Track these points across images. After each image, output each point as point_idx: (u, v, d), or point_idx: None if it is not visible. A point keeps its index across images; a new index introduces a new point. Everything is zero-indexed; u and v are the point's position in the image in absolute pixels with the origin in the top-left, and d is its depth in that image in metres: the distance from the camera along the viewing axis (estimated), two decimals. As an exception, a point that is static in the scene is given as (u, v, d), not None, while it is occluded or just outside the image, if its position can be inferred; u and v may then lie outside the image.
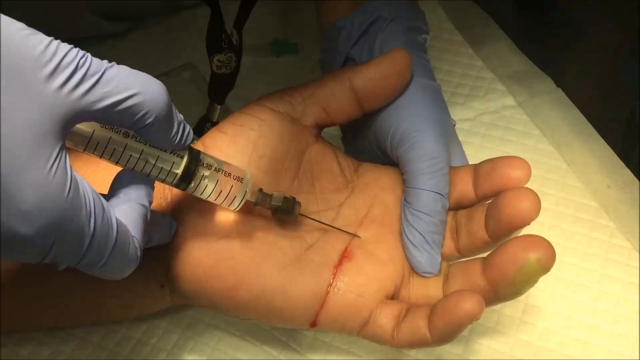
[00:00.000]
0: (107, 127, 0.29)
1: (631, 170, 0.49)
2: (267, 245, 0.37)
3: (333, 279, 0.37)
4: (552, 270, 0.44)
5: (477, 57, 0.59)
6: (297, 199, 0.37)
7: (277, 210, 0.37)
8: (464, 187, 0.40)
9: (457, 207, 0.40)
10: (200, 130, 0.49)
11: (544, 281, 0.43)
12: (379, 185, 0.41)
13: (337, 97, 0.39)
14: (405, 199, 0.39)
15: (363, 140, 0.43)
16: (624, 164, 0.50)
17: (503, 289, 0.35)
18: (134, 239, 0.30)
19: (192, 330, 0.43)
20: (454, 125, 0.44)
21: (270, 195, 0.36)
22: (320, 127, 0.41)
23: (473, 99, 0.56)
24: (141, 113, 0.27)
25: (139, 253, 0.30)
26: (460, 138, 0.46)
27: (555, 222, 0.47)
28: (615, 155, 0.50)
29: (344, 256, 0.38)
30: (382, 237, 0.39)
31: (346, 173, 0.41)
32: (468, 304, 0.33)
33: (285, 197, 0.37)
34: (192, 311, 0.44)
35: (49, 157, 0.24)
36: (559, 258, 0.44)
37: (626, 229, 0.46)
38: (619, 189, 0.49)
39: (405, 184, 0.39)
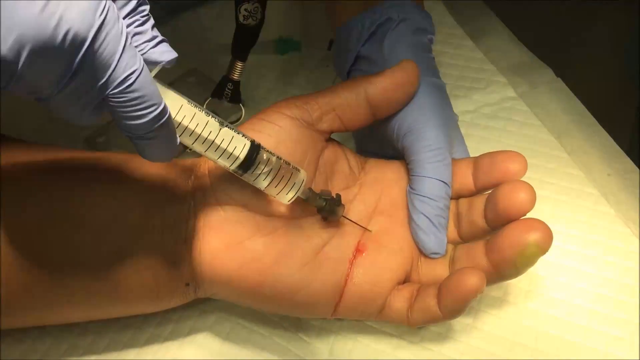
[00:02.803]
0: (192, 104, 0.33)
1: (631, 159, 0.50)
2: (288, 245, 0.39)
3: (349, 272, 0.39)
4: (553, 257, 0.45)
5: (477, 49, 0.60)
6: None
7: (322, 209, 0.39)
8: (464, 178, 0.42)
9: (457, 197, 0.42)
10: (221, 91, 0.50)
11: (545, 268, 0.45)
12: (384, 180, 0.43)
13: (352, 106, 0.41)
14: (410, 187, 0.41)
15: (371, 131, 0.45)
16: (623, 153, 0.51)
17: (505, 269, 0.38)
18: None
19: (203, 323, 0.44)
20: (457, 120, 0.46)
21: (318, 194, 0.38)
22: (332, 132, 0.42)
23: (474, 91, 0.57)
24: None
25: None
26: (462, 130, 0.47)
27: (556, 210, 0.48)
28: (615, 144, 0.51)
29: (358, 250, 0.40)
30: (391, 228, 0.41)
31: (355, 171, 0.43)
32: (471, 280, 0.36)
33: (331, 198, 0.39)
34: (203, 304, 0.45)
35: None
36: (560, 245, 0.46)
37: (626, 215, 0.47)
38: (619, 176, 0.49)
39: (411, 173, 0.41)
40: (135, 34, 0.30)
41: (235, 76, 0.50)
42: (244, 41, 0.49)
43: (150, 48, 0.30)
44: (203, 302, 0.45)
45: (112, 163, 0.40)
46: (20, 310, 0.39)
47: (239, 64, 0.50)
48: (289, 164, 0.37)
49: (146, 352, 0.43)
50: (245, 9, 0.47)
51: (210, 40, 0.59)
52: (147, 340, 0.44)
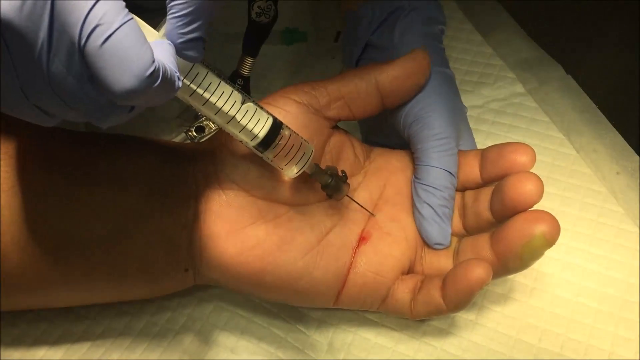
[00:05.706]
0: (215, 73, 0.33)
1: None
2: (290, 232, 0.38)
3: (352, 260, 0.39)
4: (560, 254, 0.44)
5: (486, 44, 0.59)
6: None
7: (328, 186, 0.38)
8: (471, 170, 0.41)
9: (463, 189, 0.42)
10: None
11: (551, 265, 0.44)
12: (389, 168, 0.43)
13: (362, 94, 0.40)
14: (415, 176, 0.41)
15: (377, 120, 0.44)
16: (633, 151, 0.50)
17: (510, 262, 0.37)
18: None
19: (200, 312, 0.44)
20: (466, 112, 0.45)
21: (325, 170, 0.37)
22: (339, 120, 0.41)
23: (482, 86, 0.56)
24: None
25: None
26: (470, 125, 0.46)
27: (563, 208, 0.47)
28: (625, 142, 0.50)
29: (362, 238, 0.39)
30: (396, 217, 0.41)
31: (360, 159, 0.42)
32: (477, 271, 0.35)
33: (337, 175, 0.38)
34: (201, 292, 0.44)
35: None
36: (567, 243, 0.45)
37: (635, 214, 0.46)
38: (628, 175, 0.49)
39: (416, 162, 0.41)
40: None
41: (245, 72, 0.49)
42: (256, 38, 0.49)
43: (181, 40, 0.28)
44: (201, 291, 0.44)
45: (114, 144, 0.39)
46: (15, 292, 0.38)
47: (249, 60, 0.49)
48: (298, 134, 0.36)
49: (142, 340, 0.42)
50: (259, 6, 0.47)
51: (217, 29, 0.59)
52: (143, 328, 0.43)
